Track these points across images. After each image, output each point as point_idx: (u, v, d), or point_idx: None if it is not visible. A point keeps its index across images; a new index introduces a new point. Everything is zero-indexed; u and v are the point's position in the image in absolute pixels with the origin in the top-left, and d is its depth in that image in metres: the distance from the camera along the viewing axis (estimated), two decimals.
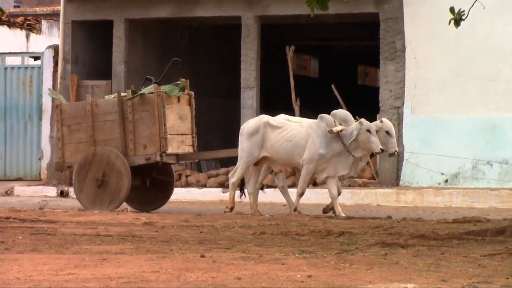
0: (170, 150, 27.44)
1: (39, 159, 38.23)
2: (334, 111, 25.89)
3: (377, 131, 24.59)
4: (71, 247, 17.03)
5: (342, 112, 26.31)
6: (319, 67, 43.10)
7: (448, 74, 34.37)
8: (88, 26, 38.55)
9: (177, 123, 27.89)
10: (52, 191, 35.79)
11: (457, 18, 18.94)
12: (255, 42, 36.51)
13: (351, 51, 45.21)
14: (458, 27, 18.98)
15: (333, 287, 11.85)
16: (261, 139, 25.73)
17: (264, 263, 14.28)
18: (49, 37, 42.63)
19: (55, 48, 38.34)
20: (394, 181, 32.22)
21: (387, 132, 24.88)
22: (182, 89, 28.34)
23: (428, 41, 34.33)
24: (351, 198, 31.89)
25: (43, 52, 38.91)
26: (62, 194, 35.28)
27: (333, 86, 34.03)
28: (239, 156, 26.37)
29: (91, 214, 25.58)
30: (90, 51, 38.82)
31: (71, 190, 34.43)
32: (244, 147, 26.06)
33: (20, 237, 18.55)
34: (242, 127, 27.04)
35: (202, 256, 14.99)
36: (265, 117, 26.58)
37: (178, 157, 28.45)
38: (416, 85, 34.61)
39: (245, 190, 26.67)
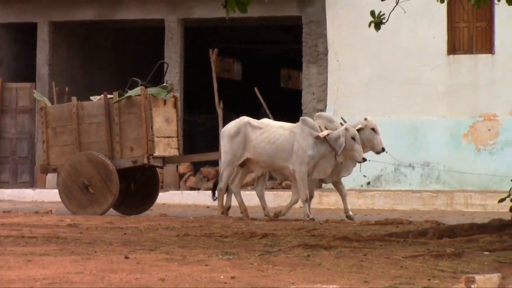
0: (157, 153, 27.82)
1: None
2: (318, 113, 26.91)
3: (362, 129, 25.11)
4: (4, 251, 17.32)
5: (326, 114, 27.37)
6: (242, 70, 43.72)
7: (371, 77, 35.43)
8: (13, 29, 39.28)
9: (163, 125, 28.19)
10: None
11: (378, 22, 19.77)
12: (178, 45, 37.53)
13: (274, 54, 45.57)
14: (379, 30, 19.59)
15: (253, 285, 12.27)
16: (243, 139, 26.28)
17: (188, 265, 14.58)
18: None
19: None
20: (317, 183, 30.71)
21: (373, 129, 25.31)
22: (169, 91, 28.71)
23: (351, 44, 35.17)
24: (274, 200, 32.03)
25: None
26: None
27: (256, 89, 34.37)
28: (222, 160, 27.03)
29: (15, 215, 25.77)
30: (15, 53, 39.40)
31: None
32: (227, 149, 26.56)
33: None
34: (222, 130, 27.52)
35: (126, 257, 15.30)
36: (245, 118, 26.96)
37: (164, 160, 28.74)
38: (338, 88, 35.40)
39: (216, 193, 27.02)
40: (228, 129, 26.56)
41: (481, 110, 35.16)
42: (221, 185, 26.39)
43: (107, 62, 41.47)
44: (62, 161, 27.57)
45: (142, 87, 27.70)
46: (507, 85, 35.15)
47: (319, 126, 25.18)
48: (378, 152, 25.76)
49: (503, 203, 20.74)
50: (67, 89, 35.90)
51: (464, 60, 35.86)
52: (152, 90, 27.66)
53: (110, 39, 42.65)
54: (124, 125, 27.31)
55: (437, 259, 16.39)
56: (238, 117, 29.15)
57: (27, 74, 38.47)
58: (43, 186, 37.50)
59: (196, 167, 38.72)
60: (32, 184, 38.45)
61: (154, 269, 13.91)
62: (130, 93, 27.66)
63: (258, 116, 31.35)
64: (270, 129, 26.17)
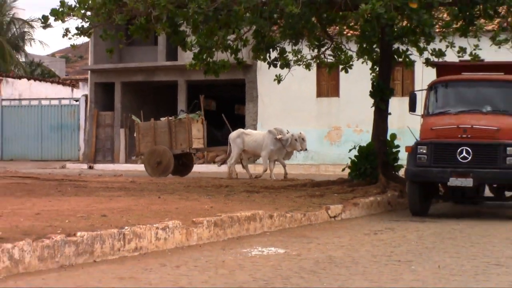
0: (193, 146, 33.77)
1: (78, 150, 47.17)
2: (276, 127, 31.72)
3: (298, 137, 30.84)
4: (94, 193, 21.73)
5: (280, 128, 31.75)
6: (217, 105, 45.08)
7: (278, 109, 43.25)
8: (101, 85, 46.50)
9: (196, 133, 33.67)
10: (85, 166, 44.09)
11: (279, 79, 26.56)
12: (184, 94, 45.46)
13: (232, 97, 47.60)
14: (279, 84, 26.86)
15: (222, 211, 16.63)
16: (242, 141, 31.49)
17: (189, 201, 19.45)
18: (83, 90, 50.10)
19: (86, 96, 46.91)
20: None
21: (303, 139, 30.73)
22: (199, 116, 34.82)
23: (268, 93, 42.97)
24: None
25: (79, 98, 47.93)
26: (91, 168, 42.95)
27: (223, 115, 38.68)
28: (232, 150, 31.93)
29: (104, 177, 31.48)
30: (103, 97, 46.57)
31: (95, 166, 43.57)
32: (234, 145, 31.62)
33: (69, 189, 23.36)
34: (229, 136, 32.57)
35: (159, 197, 20.24)
36: (241, 130, 32.51)
37: (197, 150, 34.99)
38: (262, 115, 43.94)
39: (221, 164, 34.20)
40: (233, 135, 32.20)
41: (332, 124, 42.40)
42: (232, 162, 32.10)
43: (148, 102, 46.66)
44: (146, 150, 33.91)
45: (186, 114, 35.15)
46: (346, 113, 41.40)
47: (277, 133, 30.97)
48: (303, 150, 31.80)
49: (344, 172, 26.44)
50: (129, 115, 41.31)
51: (325, 100, 43.44)
52: (191, 115, 34.74)
53: (151, 90, 47.92)
54: (177, 132, 33.35)
55: (311, 197, 21.32)
56: (214, 129, 39.87)
57: (109, 108, 46.12)
58: (118, 162, 45.02)
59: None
60: (112, 161, 45.34)
61: (173, 203, 18.81)
62: (180, 116, 34.37)
63: (224, 129, 40.62)
64: (254, 135, 32.18)
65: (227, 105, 44.40)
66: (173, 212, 16.90)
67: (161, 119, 34.71)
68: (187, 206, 18.45)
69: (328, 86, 43.07)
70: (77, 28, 23.55)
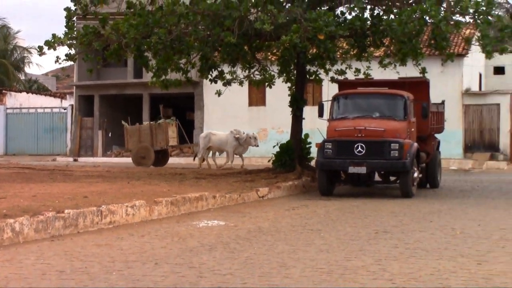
0: (169, 144, 33.87)
1: (66, 147, 46.74)
2: (236, 129, 31.36)
3: (252, 136, 30.88)
4: (78, 180, 21.77)
5: (238, 129, 31.41)
6: (173, 112, 42.65)
7: (219, 116, 42.49)
8: (83, 97, 45.85)
9: (171, 134, 33.57)
10: (71, 159, 43.25)
11: (220, 93, 26.65)
12: (147, 105, 44.83)
13: (184, 106, 45.63)
14: (220, 96, 26.57)
15: (177, 193, 16.80)
16: (208, 140, 31.06)
17: (152, 185, 19.67)
18: (69, 101, 48.82)
19: (72, 105, 46.47)
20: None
21: (255, 138, 30.81)
22: (173, 120, 35.04)
23: (212, 103, 41.94)
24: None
25: (67, 107, 47.68)
26: (75, 160, 42.24)
27: (177, 120, 36.92)
28: (200, 147, 31.70)
29: (86, 167, 31.41)
30: (85, 107, 45.69)
31: (79, 159, 42.88)
32: (202, 143, 31.30)
33: (58, 176, 23.33)
34: (200, 135, 32.81)
35: (128, 183, 20.63)
36: (209, 131, 32.65)
37: (172, 146, 34.88)
38: (207, 120, 43.39)
39: (200, 160, 31.40)
40: (202, 135, 32.14)
41: (261, 126, 41.42)
42: (199, 155, 31.77)
43: (120, 111, 44.74)
44: (133, 147, 33.73)
45: (164, 119, 35.27)
46: (271, 118, 41.24)
47: (236, 133, 30.76)
48: (255, 146, 31.17)
49: (269, 163, 26.06)
50: (105, 120, 44.47)
51: (255, 109, 42.89)
52: (167, 120, 34.99)
53: (122, 101, 46.47)
54: (157, 133, 33.42)
55: (245, 182, 21.46)
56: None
57: (90, 114, 45.63)
58: (97, 156, 44.22)
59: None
60: (92, 155, 44.56)
61: (139, 187, 19.05)
62: (159, 121, 34.52)
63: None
64: (219, 135, 31.49)
65: (181, 112, 43.70)
66: (139, 194, 16.96)
67: (144, 123, 35.36)
68: (150, 189, 18.52)
69: (257, 98, 42.71)
70: (66, 55, 23.70)
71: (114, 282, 8.74)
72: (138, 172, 26.68)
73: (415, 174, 20.80)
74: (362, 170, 20.09)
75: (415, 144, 20.84)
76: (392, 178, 21.80)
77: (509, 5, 56.33)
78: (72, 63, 32.79)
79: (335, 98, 21.77)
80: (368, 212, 16.80)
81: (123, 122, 35.47)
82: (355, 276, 9.10)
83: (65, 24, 23.37)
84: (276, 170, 24.50)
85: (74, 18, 24.07)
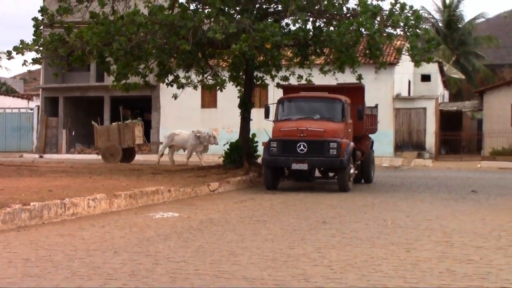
0: (136, 142, 33.33)
1: (32, 144, 45.82)
2: (197, 129, 30.90)
3: (212, 135, 30.05)
4: (43, 175, 21.51)
5: (199, 130, 30.79)
6: (131, 113, 41.05)
7: (174, 117, 42.13)
8: (50, 99, 45.18)
9: (138, 133, 33.06)
10: (37, 156, 42.04)
11: (175, 96, 26.16)
12: (108, 106, 44.04)
13: (143, 107, 44.57)
14: (176, 99, 26.21)
15: (135, 187, 16.71)
16: (171, 139, 30.67)
17: (112, 180, 19.64)
18: (36, 102, 48.10)
19: (38, 106, 45.84)
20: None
21: (214, 137, 29.88)
22: (140, 121, 34.60)
23: (168, 105, 41.27)
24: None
25: (34, 108, 46.99)
26: (41, 157, 41.09)
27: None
28: (162, 145, 31.83)
29: (51, 163, 30.73)
30: (51, 107, 44.99)
31: (44, 155, 41.83)
32: (165, 141, 31.23)
33: (25, 172, 23.20)
34: (164, 134, 32.59)
35: (90, 177, 20.46)
36: (173, 131, 31.70)
37: (138, 145, 34.18)
38: (164, 120, 43.21)
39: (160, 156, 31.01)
40: (166, 134, 31.88)
41: (212, 126, 38.75)
42: (160, 153, 31.67)
43: (83, 111, 45.45)
44: (102, 145, 33.00)
45: (131, 120, 34.87)
46: (222, 119, 40.91)
47: (197, 132, 30.17)
48: (215, 144, 30.17)
49: (220, 159, 26.14)
50: (68, 120, 44.02)
51: (207, 110, 42.65)
52: (134, 120, 34.59)
53: (85, 102, 46.02)
54: (124, 133, 32.89)
55: (198, 177, 21.50)
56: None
57: (55, 115, 44.97)
58: (61, 153, 43.41)
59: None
60: (57, 152, 43.85)
61: (100, 181, 18.93)
62: (127, 122, 33.88)
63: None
64: (182, 134, 31.04)
65: (139, 114, 42.63)
66: (100, 188, 16.78)
67: (112, 123, 34.55)
68: (110, 184, 18.40)
69: (209, 100, 42.55)
70: (32, 59, 23.41)
71: (76, 269, 8.64)
72: (99, 168, 26.36)
73: (351, 171, 20.90)
74: (304, 166, 20.14)
75: (352, 144, 20.98)
76: (330, 174, 21.98)
77: (434, 20, 57.85)
78: (39, 66, 32.72)
79: (280, 101, 21.76)
80: (309, 204, 16.82)
81: (93, 122, 34.85)
82: (297, 263, 9.11)
83: (33, 32, 23.19)
84: (226, 167, 24.44)
85: (41, 27, 23.84)
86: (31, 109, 48.01)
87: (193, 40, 20.76)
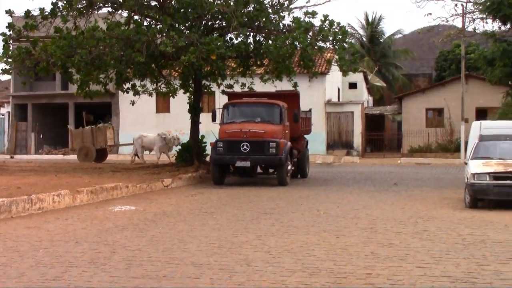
0: (108, 144, 32.38)
1: (4, 146, 44.29)
2: (162, 132, 30.99)
3: (176, 137, 29.80)
4: (13, 174, 21.42)
5: (164, 131, 31.16)
6: (94, 118, 40.77)
7: (131, 120, 40.02)
8: (19, 105, 43.43)
9: (109, 135, 32.14)
10: (8, 156, 39.86)
11: (133, 102, 25.48)
12: (73, 112, 42.44)
13: (103, 112, 42.29)
14: (133, 105, 25.63)
15: (96, 184, 16.56)
16: (141, 141, 29.99)
17: (75, 178, 19.36)
18: (7, 109, 45.68)
19: (9, 112, 44.17)
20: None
21: (178, 138, 29.38)
22: (111, 124, 34.22)
23: (126, 110, 39.65)
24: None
25: (5, 113, 45.43)
26: (12, 157, 39.22)
27: (97, 125, 34.30)
28: (136, 147, 30.31)
29: (20, 163, 29.82)
30: (21, 113, 43.27)
31: (15, 156, 40.02)
32: (137, 143, 30.12)
33: None
34: (133, 137, 31.10)
35: (56, 175, 20.24)
36: (141, 133, 30.91)
37: (109, 146, 33.02)
38: (123, 124, 41.23)
39: (135, 157, 30.15)
40: (135, 137, 30.73)
41: (166, 129, 35.97)
42: (132, 153, 30.69)
43: (50, 117, 44.03)
44: (77, 147, 31.83)
45: (102, 123, 34.00)
46: (174, 122, 38.38)
47: (163, 134, 30.07)
48: (176, 145, 28.70)
49: (173, 158, 26.41)
50: (36, 125, 42.76)
51: (161, 115, 40.68)
52: (105, 124, 33.67)
53: (51, 109, 44.07)
54: (97, 135, 31.88)
55: (153, 174, 21.40)
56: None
57: (24, 120, 43.27)
58: (30, 154, 41.69)
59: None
60: (26, 153, 42.02)
61: (65, 179, 18.63)
62: (99, 125, 32.87)
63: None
64: (149, 137, 30.49)
65: (100, 118, 40.57)
66: (64, 185, 16.51)
67: (86, 127, 33.30)
68: (74, 181, 18.08)
69: (163, 106, 40.97)
70: (2, 69, 23.29)
71: (40, 258, 8.45)
72: (64, 167, 25.80)
73: (289, 167, 20.94)
74: (247, 164, 20.14)
75: (289, 143, 21.02)
76: (271, 170, 21.86)
77: (359, 35, 58.41)
78: (9, 77, 33.09)
79: (225, 107, 21.73)
80: (252, 197, 16.78)
81: (68, 126, 33.97)
82: (240, 249, 9.04)
83: (2, 46, 22.85)
84: (179, 165, 24.27)
85: (10, 41, 23.16)
86: (3, 115, 46.55)
87: (146, 53, 20.58)
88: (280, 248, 9.07)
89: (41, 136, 43.64)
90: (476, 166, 14.28)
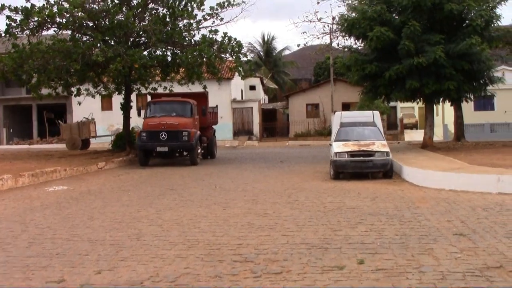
0: (91, 135, 29.60)
1: None
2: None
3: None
4: None
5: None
6: (54, 115, 38.04)
7: (81, 117, 34.49)
8: None
9: (92, 128, 29.52)
10: None
11: (80, 103, 27.14)
12: (36, 112, 39.01)
13: (62, 111, 38.85)
14: (81, 104, 27.61)
15: (41, 168, 15.00)
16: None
17: (25, 164, 17.32)
18: None
19: None
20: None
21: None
22: (93, 119, 30.57)
23: (77, 108, 33.92)
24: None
25: None
26: None
27: (57, 120, 33.94)
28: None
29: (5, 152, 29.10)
30: None
31: None
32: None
33: None
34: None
35: (10, 162, 18.51)
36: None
37: (92, 136, 29.86)
38: (78, 119, 34.82)
39: None
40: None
41: (109, 123, 36.35)
42: None
43: (18, 116, 40.36)
44: (66, 137, 29.14)
45: (86, 118, 30.50)
46: (114, 118, 34.21)
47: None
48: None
49: (110, 146, 24.56)
50: (7, 121, 39.31)
51: (106, 112, 37.43)
52: (89, 119, 30.53)
53: (19, 109, 40.15)
54: (83, 128, 29.25)
55: (92, 159, 19.75)
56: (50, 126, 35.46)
57: None
58: (2, 145, 37.97)
59: None
60: (12, 144, 38.42)
61: (17, 165, 17.06)
62: (83, 120, 30.02)
63: (57, 126, 34.13)
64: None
65: (60, 115, 38.66)
66: (14, 169, 14.89)
67: (73, 121, 31.38)
68: (23, 166, 16.43)
69: (106, 105, 37.70)
70: None
71: None
72: (20, 155, 23.60)
73: (199, 151, 19.87)
74: (165, 149, 18.87)
75: (198, 132, 19.84)
76: (185, 153, 20.50)
77: (257, 50, 57.91)
78: None
79: (148, 104, 20.38)
80: (166, 175, 15.45)
81: (59, 121, 31.40)
82: (137, 224, 7.79)
83: None
84: (114, 151, 22.88)
85: None
86: None
87: (82, 62, 19.07)
88: (171, 222, 7.87)
89: (11, 131, 40.30)
90: (337, 147, 13.62)
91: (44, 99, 22.71)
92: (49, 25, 21.00)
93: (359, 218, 7.75)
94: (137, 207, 9.33)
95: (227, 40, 20.72)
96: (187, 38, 21.36)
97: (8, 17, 19.92)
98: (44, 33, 21.32)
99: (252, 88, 44.40)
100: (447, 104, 23.70)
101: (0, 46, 22.22)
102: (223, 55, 21.05)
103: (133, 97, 24.86)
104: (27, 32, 20.78)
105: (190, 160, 19.39)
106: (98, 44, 19.30)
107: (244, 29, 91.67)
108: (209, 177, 14.84)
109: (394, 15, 19.24)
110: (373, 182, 12.36)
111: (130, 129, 23.48)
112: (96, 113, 37.10)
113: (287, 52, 60.04)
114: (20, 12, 19.88)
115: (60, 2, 20.24)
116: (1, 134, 40.01)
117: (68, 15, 19.69)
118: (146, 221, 7.93)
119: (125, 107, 22.84)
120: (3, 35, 20.40)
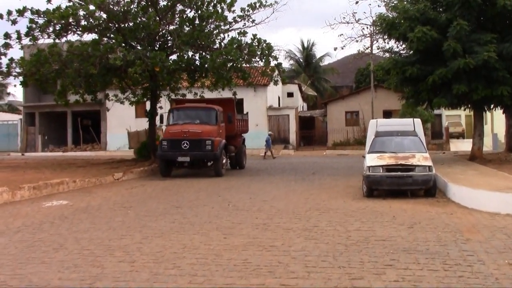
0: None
1: (17, 146, 39.61)
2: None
3: None
4: None
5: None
6: (91, 122, 38.48)
7: (117, 125, 36.06)
8: (29, 114, 39.10)
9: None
10: (19, 154, 36.00)
11: (108, 109, 27.44)
12: (71, 118, 38.59)
13: (97, 118, 38.18)
14: (118, 110, 28.39)
15: (45, 180, 13.78)
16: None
17: (37, 174, 16.25)
18: (20, 116, 41.33)
19: (21, 119, 39.94)
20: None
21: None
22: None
23: (111, 115, 34.86)
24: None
25: (18, 120, 41.20)
26: (23, 154, 35.25)
27: (90, 128, 35.51)
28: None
29: (17, 160, 27.83)
30: (30, 120, 39.00)
31: (26, 154, 35.92)
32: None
33: None
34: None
35: (24, 172, 17.10)
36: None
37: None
38: (110, 126, 36.81)
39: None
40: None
41: (142, 129, 40.29)
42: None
43: (54, 122, 39.66)
44: (134, 145, 24.48)
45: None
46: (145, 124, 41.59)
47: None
48: None
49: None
50: (43, 129, 38.75)
51: (139, 119, 33.29)
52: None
53: (54, 116, 39.34)
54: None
55: (111, 169, 18.19)
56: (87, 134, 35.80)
57: (33, 125, 39.04)
58: (38, 151, 37.70)
59: None
60: (35, 151, 37.84)
61: (28, 175, 15.77)
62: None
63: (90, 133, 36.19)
64: None
65: (95, 122, 38.39)
66: (20, 180, 13.63)
67: (139, 129, 29.32)
68: (32, 177, 15.03)
69: (140, 112, 35.46)
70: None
71: None
72: (45, 163, 22.47)
73: (224, 161, 18.38)
74: (187, 159, 17.44)
75: (223, 141, 18.35)
76: (209, 164, 18.96)
77: (297, 57, 56.26)
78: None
79: (170, 111, 19.04)
80: (181, 189, 13.83)
81: (126, 128, 30.36)
82: (106, 258, 6.22)
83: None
84: (138, 160, 21.62)
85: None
86: (16, 121, 42.17)
87: (100, 66, 17.87)
88: (149, 257, 6.24)
89: (46, 138, 39.86)
90: (371, 160, 11.77)
91: (76, 106, 22.45)
92: (74, 29, 19.80)
93: (389, 258, 5.93)
94: (123, 232, 7.80)
95: (256, 43, 19.10)
96: (216, 41, 19.92)
97: (30, 20, 18.82)
98: (69, 37, 20.11)
99: (290, 95, 42.97)
100: (497, 111, 21.58)
101: (25, 51, 21.47)
102: (252, 59, 19.46)
103: (164, 104, 23.54)
104: (52, 35, 19.50)
105: (215, 171, 17.92)
106: (118, 47, 18.05)
107: (289, 37, 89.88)
108: (227, 191, 13.21)
109: (439, 12, 17.33)
110: (413, 202, 10.47)
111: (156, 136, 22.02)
112: (130, 121, 36.08)
113: (328, 59, 58.29)
114: (42, 15, 18.76)
115: (83, 3, 18.95)
116: (37, 141, 39.65)
117: (90, 18, 18.57)
118: (120, 254, 6.35)
119: (151, 114, 21.47)
120: (23, 37, 19.34)
